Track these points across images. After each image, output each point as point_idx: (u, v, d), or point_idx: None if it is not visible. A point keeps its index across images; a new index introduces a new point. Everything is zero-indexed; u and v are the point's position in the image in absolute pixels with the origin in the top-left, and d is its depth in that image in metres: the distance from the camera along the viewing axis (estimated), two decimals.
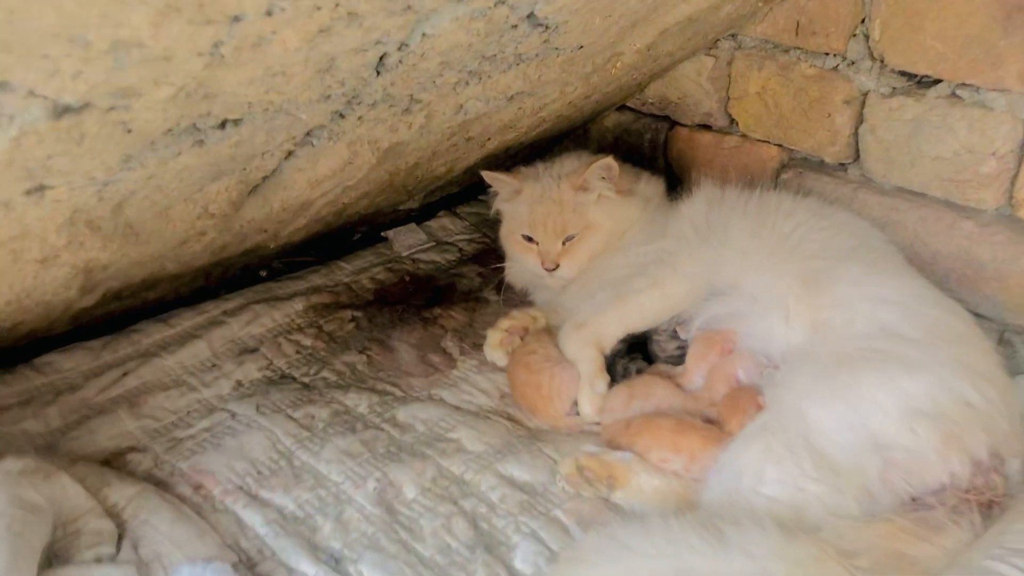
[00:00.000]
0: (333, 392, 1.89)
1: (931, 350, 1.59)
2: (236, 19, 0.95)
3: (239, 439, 1.73)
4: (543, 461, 1.70)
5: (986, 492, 1.50)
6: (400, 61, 1.30)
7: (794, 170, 2.08)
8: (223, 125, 1.23)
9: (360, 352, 2.03)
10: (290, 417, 1.80)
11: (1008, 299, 1.82)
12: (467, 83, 1.55)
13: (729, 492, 1.50)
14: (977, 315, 1.79)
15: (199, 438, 1.74)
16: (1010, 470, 1.56)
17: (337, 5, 1.00)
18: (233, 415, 1.81)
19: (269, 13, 0.96)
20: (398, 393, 1.90)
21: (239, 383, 1.92)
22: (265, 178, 1.59)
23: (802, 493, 1.46)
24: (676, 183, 2.23)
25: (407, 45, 1.25)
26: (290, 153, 1.52)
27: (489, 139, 1.98)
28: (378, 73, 1.31)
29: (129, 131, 1.07)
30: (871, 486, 1.48)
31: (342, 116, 1.45)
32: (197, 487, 1.62)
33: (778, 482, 1.47)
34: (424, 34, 1.24)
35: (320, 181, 1.67)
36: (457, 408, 1.86)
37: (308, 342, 2.05)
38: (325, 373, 1.96)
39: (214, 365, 1.96)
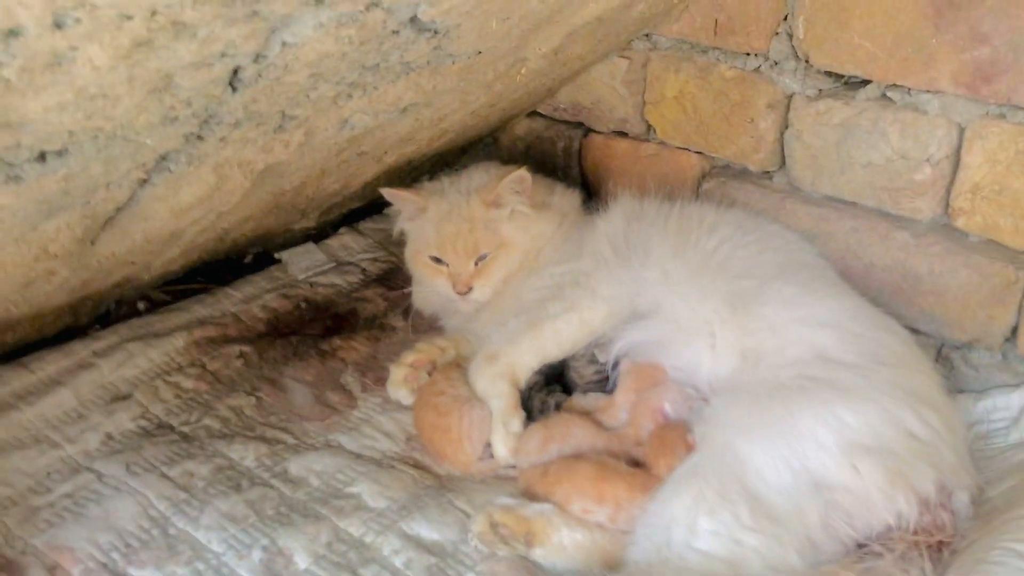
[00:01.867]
0: (216, 443, 1.68)
1: (870, 376, 1.49)
2: (12, 33, 0.74)
3: (105, 506, 1.52)
4: (454, 516, 1.53)
5: (935, 533, 1.40)
6: (259, 75, 1.10)
7: (716, 179, 1.95)
8: (42, 158, 1.02)
9: (248, 394, 1.82)
10: (165, 476, 1.60)
11: (946, 313, 1.72)
12: (349, 96, 1.37)
13: (659, 547, 1.37)
14: (914, 330, 1.70)
15: (59, 506, 1.52)
16: (957, 504, 1.46)
17: (154, 14, 0.81)
18: (100, 476, 1.60)
19: (58, 26, 0.76)
20: (290, 441, 1.71)
21: (109, 436, 1.70)
22: (119, 209, 1.38)
23: (739, 547, 1.34)
24: (592, 194, 2.08)
25: (264, 57, 1.07)
26: (144, 181, 1.32)
27: (386, 153, 1.80)
28: (234, 89, 1.11)
29: None
30: (813, 533, 1.37)
31: (200, 138, 1.25)
32: (52, 568, 1.41)
33: (712, 535, 1.34)
34: (284, 43, 1.05)
35: (186, 210, 1.47)
36: (358, 456, 1.67)
37: (189, 384, 1.84)
38: (208, 420, 1.75)
39: (80, 416, 1.73)
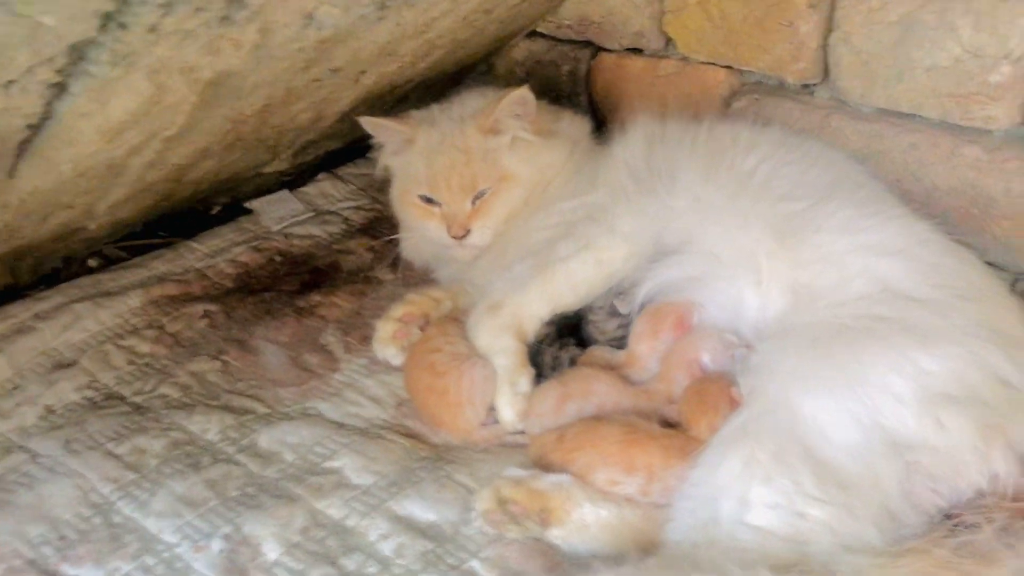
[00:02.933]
0: (174, 415, 1.45)
1: (950, 313, 1.25)
2: None
3: (37, 491, 1.30)
4: (453, 492, 1.30)
5: None
6: None
7: (748, 96, 1.71)
8: None
9: (213, 357, 1.59)
10: (111, 454, 1.37)
11: None
12: None
13: (704, 524, 1.13)
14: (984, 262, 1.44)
15: None
16: None
17: None
18: (34, 456, 1.37)
19: None
20: (261, 410, 1.47)
21: (48, 410, 1.47)
22: (32, 128, 1.12)
23: (803, 520, 1.10)
24: (603, 123, 1.85)
25: None
26: (59, 89, 1.06)
27: (364, 72, 1.54)
28: None
29: None
30: (891, 503, 1.13)
31: (122, 26, 0.99)
32: None
33: (770, 507, 1.11)
34: None
35: (118, 130, 1.21)
36: (340, 426, 1.44)
37: (145, 348, 1.61)
38: (165, 389, 1.52)
39: (16, 387, 1.50)
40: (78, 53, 1.02)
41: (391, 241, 1.78)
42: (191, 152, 1.48)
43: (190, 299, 1.73)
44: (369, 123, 1.63)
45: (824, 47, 1.60)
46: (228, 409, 1.46)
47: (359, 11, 1.28)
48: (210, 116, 1.36)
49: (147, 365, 1.56)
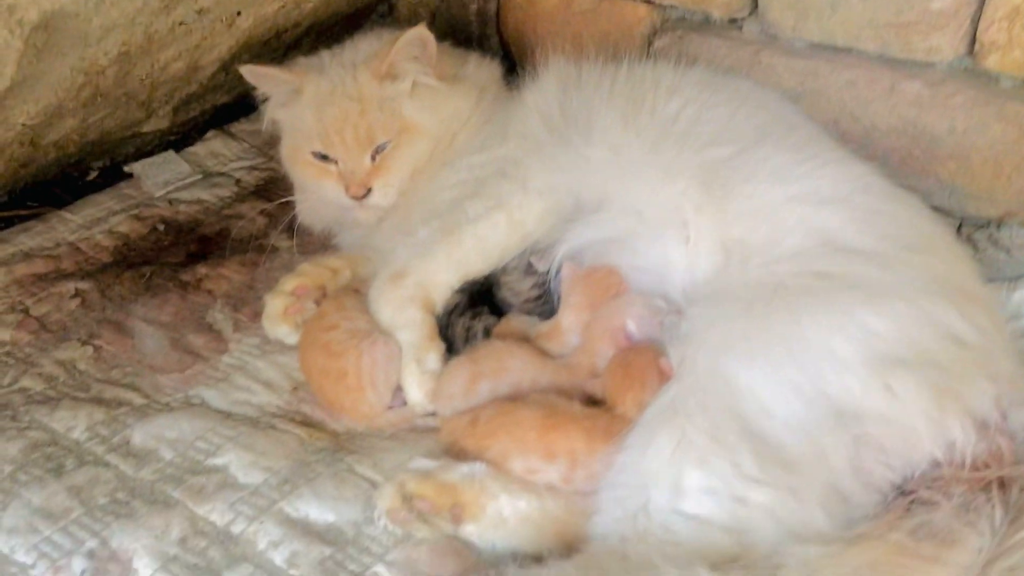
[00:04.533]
0: (35, 411, 1.28)
1: (897, 266, 1.14)
2: None
3: None
4: (355, 488, 1.16)
5: (992, 465, 1.04)
6: None
7: (671, 34, 1.59)
8: None
9: (84, 343, 1.42)
10: None
11: (971, 182, 1.42)
12: None
13: (633, 515, 1.02)
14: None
15: None
16: (1014, 425, 1.11)
17: None
18: None
19: None
20: (137, 402, 1.31)
21: None
22: None
23: (743, 506, 0.99)
24: (515, 67, 1.69)
25: None
26: None
27: (239, 13, 1.36)
28: None
29: None
30: (839, 480, 1.02)
31: None
32: None
33: (706, 493, 1.00)
34: None
35: None
36: (227, 416, 1.29)
37: (6, 335, 1.43)
38: (26, 381, 1.35)
39: None
40: None
41: (286, 204, 1.60)
42: (39, 110, 1.29)
43: (60, 277, 1.54)
44: (250, 72, 1.45)
45: None
46: (99, 402, 1.29)
47: None
48: (54, 67, 1.17)
49: (7, 355, 1.38)
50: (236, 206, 1.74)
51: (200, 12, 1.30)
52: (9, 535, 1.08)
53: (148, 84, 1.47)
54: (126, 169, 1.81)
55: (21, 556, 1.06)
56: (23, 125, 1.31)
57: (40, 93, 1.24)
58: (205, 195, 1.77)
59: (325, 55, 1.51)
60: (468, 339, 1.32)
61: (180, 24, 1.30)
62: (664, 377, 1.11)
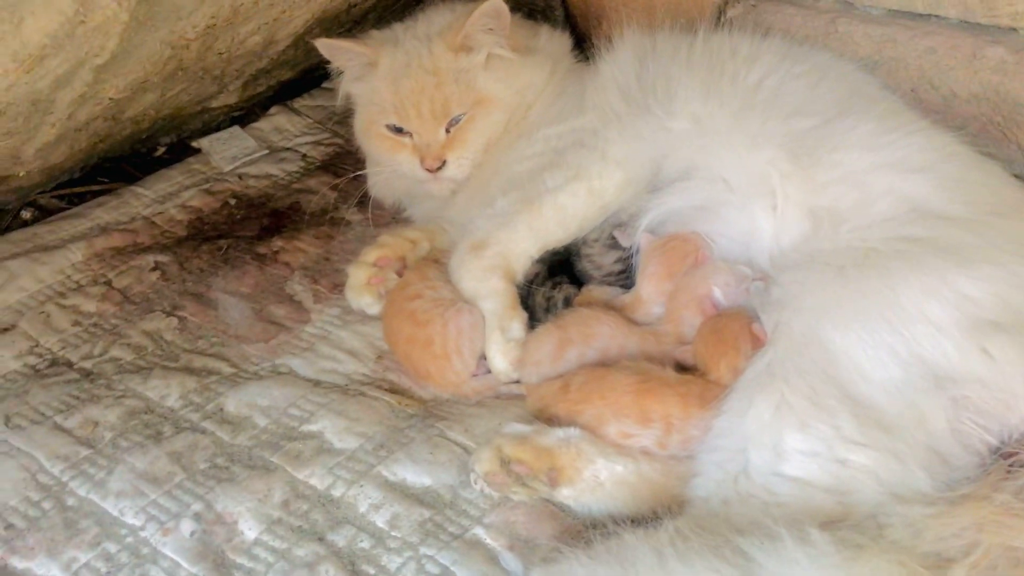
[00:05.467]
0: (128, 380, 1.31)
1: (985, 231, 1.14)
2: None
3: None
4: (448, 452, 1.18)
5: None
6: None
7: (744, 3, 1.59)
8: None
9: (168, 314, 1.45)
10: (60, 428, 1.22)
11: None
12: None
13: (735, 478, 1.03)
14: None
15: None
16: None
17: None
18: None
19: None
20: (226, 370, 1.34)
21: None
22: None
23: (845, 468, 1.00)
24: (581, 39, 1.68)
25: None
26: None
27: None
28: None
29: None
30: (939, 444, 1.03)
31: None
32: None
33: (807, 455, 1.01)
34: None
35: (38, 56, 1.04)
36: (315, 384, 1.31)
37: (91, 307, 1.46)
38: (116, 351, 1.37)
39: None
40: None
41: (357, 178, 1.61)
42: (127, 84, 1.30)
43: (138, 250, 1.57)
44: (326, 46, 1.46)
45: None
46: (189, 371, 1.32)
47: None
48: (147, 40, 1.19)
49: (94, 326, 1.41)
50: (305, 180, 1.76)
51: None
52: (118, 498, 1.11)
53: (225, 58, 1.49)
54: (194, 144, 1.84)
55: (130, 518, 1.09)
56: (110, 99, 1.33)
57: (131, 67, 1.25)
58: (273, 170, 1.79)
59: (398, 28, 1.52)
60: (549, 309, 1.33)
61: None
62: (758, 343, 1.11)
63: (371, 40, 1.50)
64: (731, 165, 1.26)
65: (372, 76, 1.48)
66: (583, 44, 1.61)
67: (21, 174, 1.44)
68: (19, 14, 0.95)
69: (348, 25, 1.70)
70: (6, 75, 1.04)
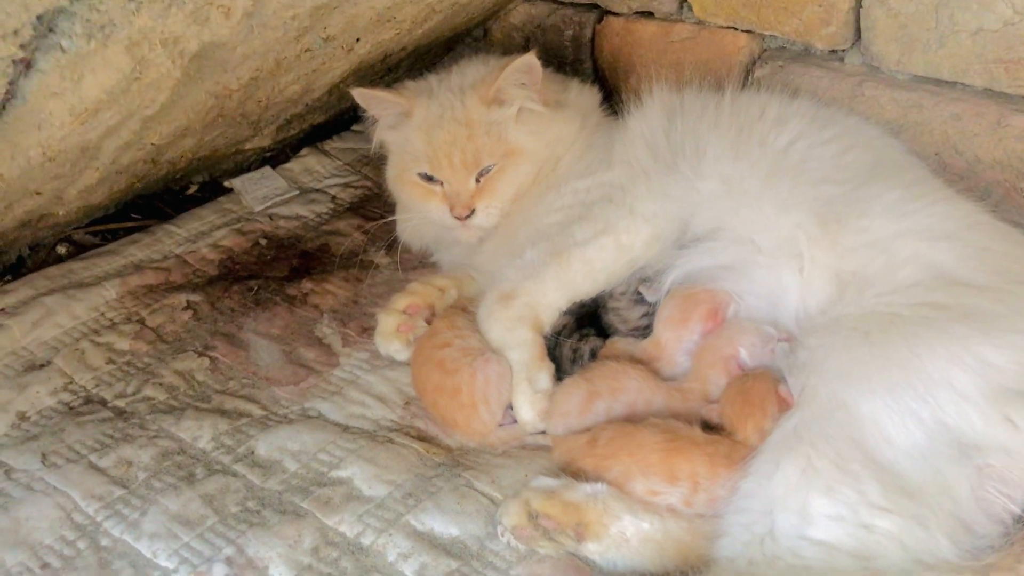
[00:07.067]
0: (161, 420, 1.33)
1: (1009, 300, 1.16)
2: None
3: (13, 512, 1.18)
4: (475, 503, 1.20)
5: None
6: None
7: (771, 64, 1.60)
8: None
9: (200, 354, 1.47)
10: (94, 467, 1.25)
11: None
12: None
13: (760, 539, 1.05)
14: None
15: None
16: None
17: None
18: (8, 472, 1.24)
19: None
20: (256, 413, 1.36)
21: (22, 417, 1.35)
22: None
23: (870, 533, 1.02)
24: (609, 94, 1.71)
25: None
26: (25, 65, 0.91)
27: (358, 40, 1.41)
28: None
29: None
30: (963, 511, 1.05)
31: None
32: None
33: (832, 519, 1.03)
34: None
35: (93, 111, 1.07)
36: (344, 428, 1.32)
37: (125, 345, 1.48)
38: (149, 391, 1.40)
39: None
40: (46, 24, 0.88)
41: (386, 222, 1.64)
42: (171, 131, 1.34)
43: (171, 288, 1.60)
44: (362, 95, 1.49)
45: (857, 8, 1.49)
46: (220, 412, 1.34)
47: None
48: (193, 92, 1.23)
49: (128, 364, 1.44)
50: (334, 222, 1.79)
51: (326, 40, 1.35)
52: (151, 540, 1.13)
53: (263, 106, 1.53)
54: (226, 184, 1.87)
55: (163, 560, 1.11)
56: (152, 145, 1.37)
57: (175, 116, 1.29)
58: (303, 211, 1.82)
59: (432, 79, 1.55)
60: (575, 360, 1.36)
61: (307, 51, 1.35)
62: (784, 405, 1.13)
63: (406, 91, 1.53)
64: (760, 227, 1.28)
65: (406, 125, 1.51)
66: (611, 98, 1.64)
67: (60, 213, 1.48)
68: (79, 71, 0.99)
69: (382, 73, 1.74)
70: (62, 127, 1.08)
